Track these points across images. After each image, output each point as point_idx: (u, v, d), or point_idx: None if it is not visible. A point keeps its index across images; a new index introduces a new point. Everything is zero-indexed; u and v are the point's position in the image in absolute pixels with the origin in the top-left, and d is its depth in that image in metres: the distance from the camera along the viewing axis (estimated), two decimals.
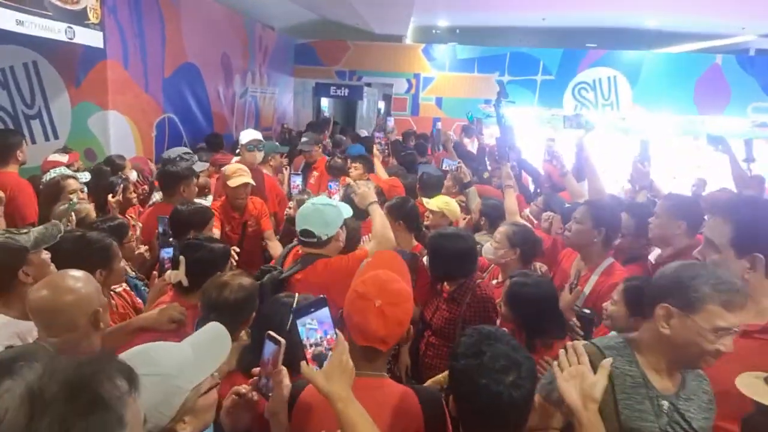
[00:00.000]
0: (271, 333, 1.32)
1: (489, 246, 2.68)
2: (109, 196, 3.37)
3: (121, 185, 3.45)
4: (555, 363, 1.37)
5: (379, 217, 2.49)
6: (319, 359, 1.31)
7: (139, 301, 2.44)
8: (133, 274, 2.66)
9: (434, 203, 3.34)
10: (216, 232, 3.15)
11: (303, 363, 1.26)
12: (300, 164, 5.39)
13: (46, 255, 1.83)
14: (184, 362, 1.10)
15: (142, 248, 2.66)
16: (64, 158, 3.93)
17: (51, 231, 1.85)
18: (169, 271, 2.14)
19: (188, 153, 4.23)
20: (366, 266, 1.69)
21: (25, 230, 1.81)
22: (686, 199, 2.67)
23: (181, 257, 2.09)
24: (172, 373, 1.06)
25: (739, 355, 1.30)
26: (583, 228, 2.47)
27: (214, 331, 1.24)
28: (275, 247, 3.60)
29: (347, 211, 2.42)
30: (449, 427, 1.45)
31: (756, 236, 1.55)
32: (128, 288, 2.46)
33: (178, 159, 4.14)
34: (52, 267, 1.83)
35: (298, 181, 4.30)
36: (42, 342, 1.53)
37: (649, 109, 8.80)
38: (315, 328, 1.33)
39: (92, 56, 4.59)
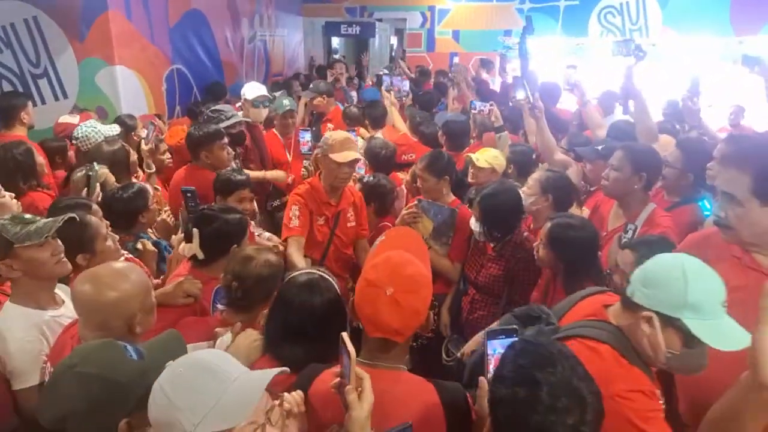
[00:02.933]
0: (345, 338, 1.16)
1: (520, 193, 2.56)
2: (142, 143, 3.27)
3: (155, 133, 3.32)
4: None
5: None
6: None
7: (146, 269, 2.27)
8: (154, 239, 2.61)
9: (484, 159, 3.07)
10: (297, 243, 2.55)
11: None
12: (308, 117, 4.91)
13: (44, 252, 1.71)
14: (199, 403, 1.00)
15: (165, 214, 2.57)
16: (75, 119, 3.85)
17: (46, 227, 1.72)
18: (182, 245, 2.07)
19: (228, 106, 3.77)
20: (378, 246, 1.52)
21: (32, 218, 1.73)
22: (754, 141, 2.46)
23: (195, 230, 2.01)
24: (177, 405, 0.99)
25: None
26: (622, 175, 2.32)
27: (258, 382, 1.09)
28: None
29: None
30: (473, 419, 1.32)
31: None
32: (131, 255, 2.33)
33: (207, 116, 3.65)
34: (47, 260, 1.74)
35: (307, 137, 3.67)
36: (80, 332, 1.51)
37: (680, 32, 8.23)
38: None
39: (94, 7, 4.38)
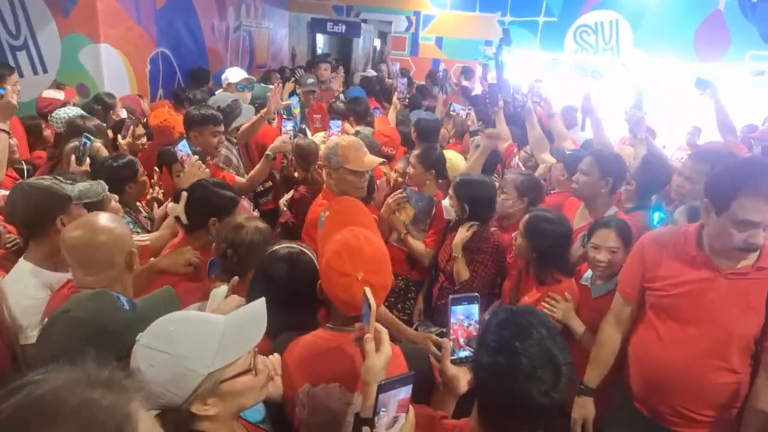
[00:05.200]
0: (368, 293, 1.21)
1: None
2: (119, 137, 3.27)
3: (131, 126, 3.32)
4: None
5: None
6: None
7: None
8: (145, 213, 2.65)
9: None
10: None
11: None
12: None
13: (84, 211, 1.81)
14: (205, 345, 1.02)
15: (155, 191, 2.60)
16: (60, 95, 3.78)
17: (95, 188, 1.86)
18: (171, 203, 2.12)
19: (236, 101, 3.55)
20: (327, 222, 1.55)
21: (70, 181, 1.81)
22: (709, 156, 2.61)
23: (184, 192, 2.07)
24: (185, 354, 1.00)
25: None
26: (590, 179, 2.50)
27: (253, 312, 1.13)
28: None
29: None
30: (436, 383, 1.39)
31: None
32: None
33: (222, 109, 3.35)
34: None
35: (289, 126, 3.64)
36: (77, 282, 1.54)
37: (649, 54, 8.67)
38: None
39: None
